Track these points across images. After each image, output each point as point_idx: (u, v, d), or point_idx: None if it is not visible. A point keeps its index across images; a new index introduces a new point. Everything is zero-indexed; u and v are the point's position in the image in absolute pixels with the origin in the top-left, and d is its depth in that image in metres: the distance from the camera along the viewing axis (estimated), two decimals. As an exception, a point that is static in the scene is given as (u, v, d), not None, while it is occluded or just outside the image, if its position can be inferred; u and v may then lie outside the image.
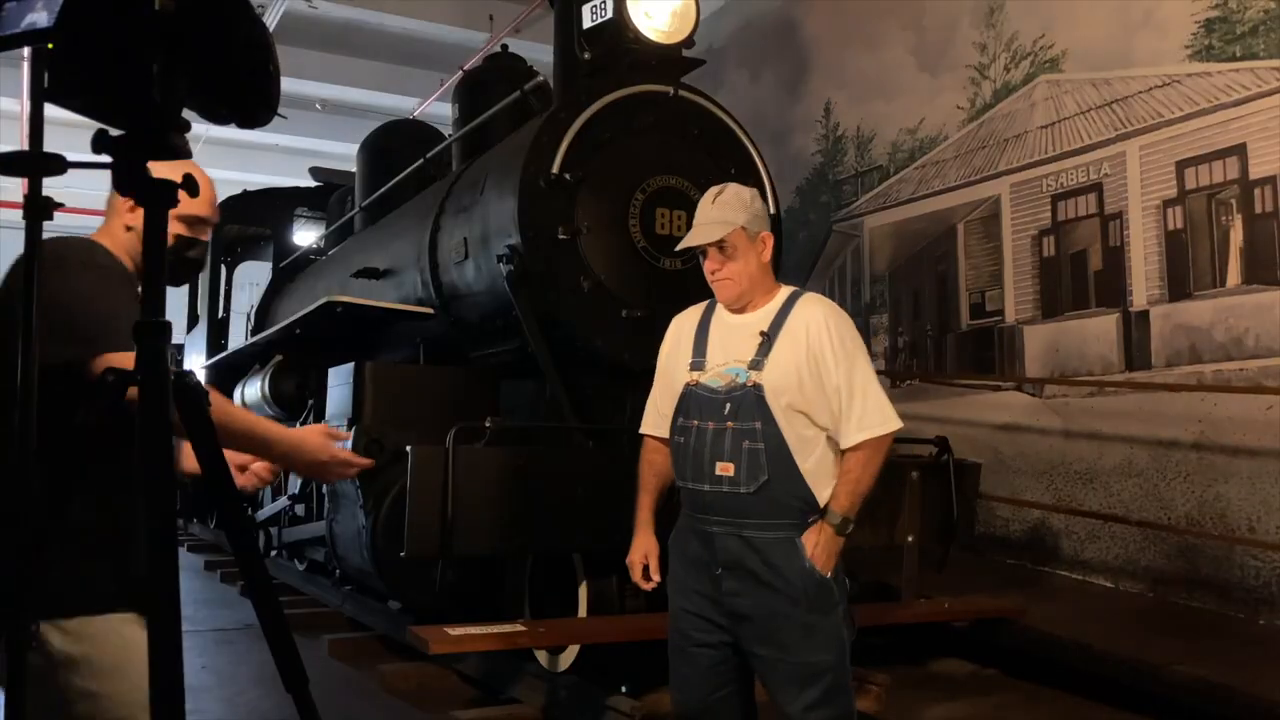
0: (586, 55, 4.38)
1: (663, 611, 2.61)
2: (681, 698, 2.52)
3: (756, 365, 2.37)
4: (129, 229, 2.05)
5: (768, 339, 2.39)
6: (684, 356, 2.51)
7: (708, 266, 2.47)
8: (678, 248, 2.57)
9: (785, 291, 2.50)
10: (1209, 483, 5.31)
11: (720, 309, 2.54)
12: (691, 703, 2.49)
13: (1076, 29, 6.27)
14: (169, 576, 1.39)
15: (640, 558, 2.58)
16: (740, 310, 2.48)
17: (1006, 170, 6.66)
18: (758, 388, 2.35)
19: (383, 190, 6.54)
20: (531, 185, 4.13)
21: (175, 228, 1.97)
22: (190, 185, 1.52)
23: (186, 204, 1.79)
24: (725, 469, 2.35)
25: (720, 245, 2.42)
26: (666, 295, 4.17)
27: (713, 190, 2.53)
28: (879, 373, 3.14)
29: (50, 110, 1.79)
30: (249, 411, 1.93)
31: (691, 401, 2.44)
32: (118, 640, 1.79)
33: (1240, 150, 5.32)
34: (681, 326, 2.61)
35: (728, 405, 2.37)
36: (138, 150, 1.43)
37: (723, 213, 2.45)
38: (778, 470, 2.32)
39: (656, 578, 2.58)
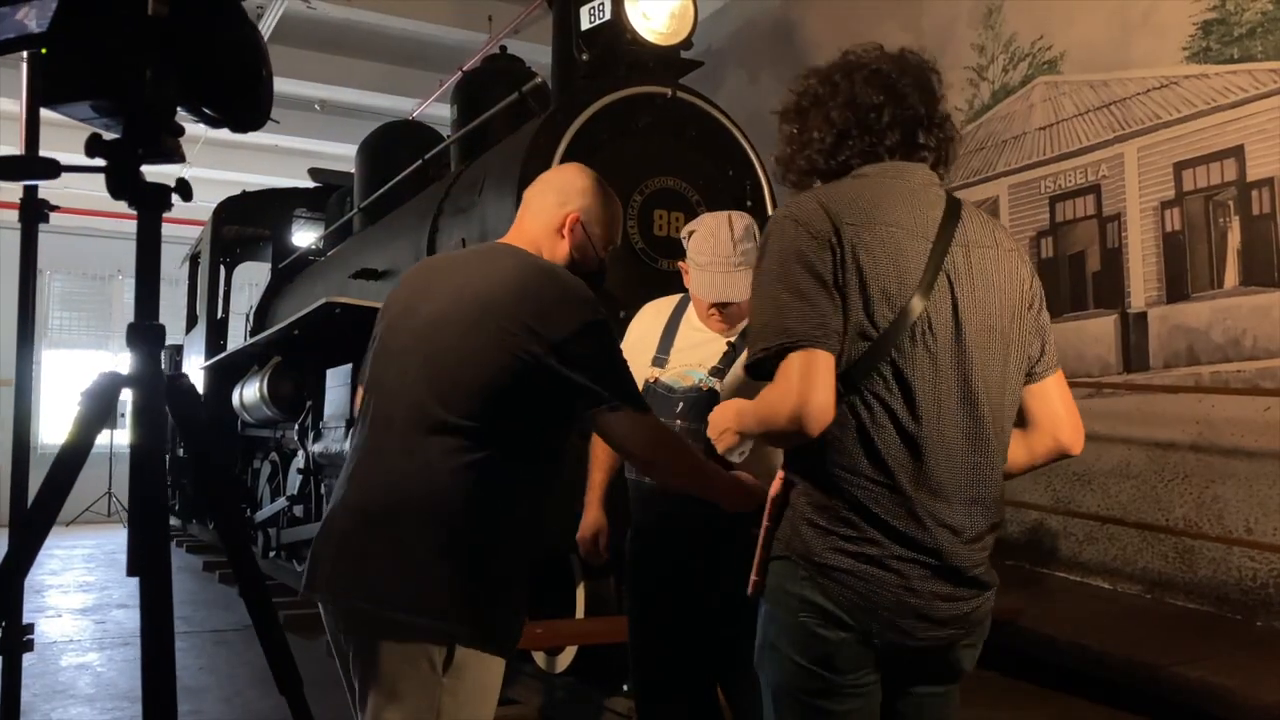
0: (585, 56, 4.38)
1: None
2: (643, 675, 2.52)
3: (718, 373, 2.38)
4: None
5: (734, 349, 2.39)
6: (647, 351, 2.50)
7: (724, 309, 2.41)
8: (715, 298, 2.40)
9: None
10: (1206, 484, 5.31)
11: (691, 310, 2.53)
12: (657, 681, 2.49)
13: (1074, 30, 6.27)
14: (161, 552, 1.44)
15: (591, 533, 2.60)
16: None
17: (1005, 171, 6.66)
18: (713, 394, 2.36)
19: (381, 191, 6.54)
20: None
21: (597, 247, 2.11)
22: (184, 190, 1.53)
23: (614, 228, 2.13)
24: None
25: None
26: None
27: (720, 224, 2.41)
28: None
29: (49, 112, 1.79)
30: (701, 457, 2.03)
31: (648, 398, 2.45)
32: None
33: (1238, 152, 5.32)
34: (649, 321, 2.59)
35: (681, 404, 2.38)
36: (131, 154, 1.44)
37: (746, 255, 2.35)
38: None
39: (605, 555, 2.60)
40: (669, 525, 2.43)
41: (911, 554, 1.54)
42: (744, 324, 2.45)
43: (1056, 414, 1.70)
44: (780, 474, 1.61)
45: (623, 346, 2.65)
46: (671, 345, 2.48)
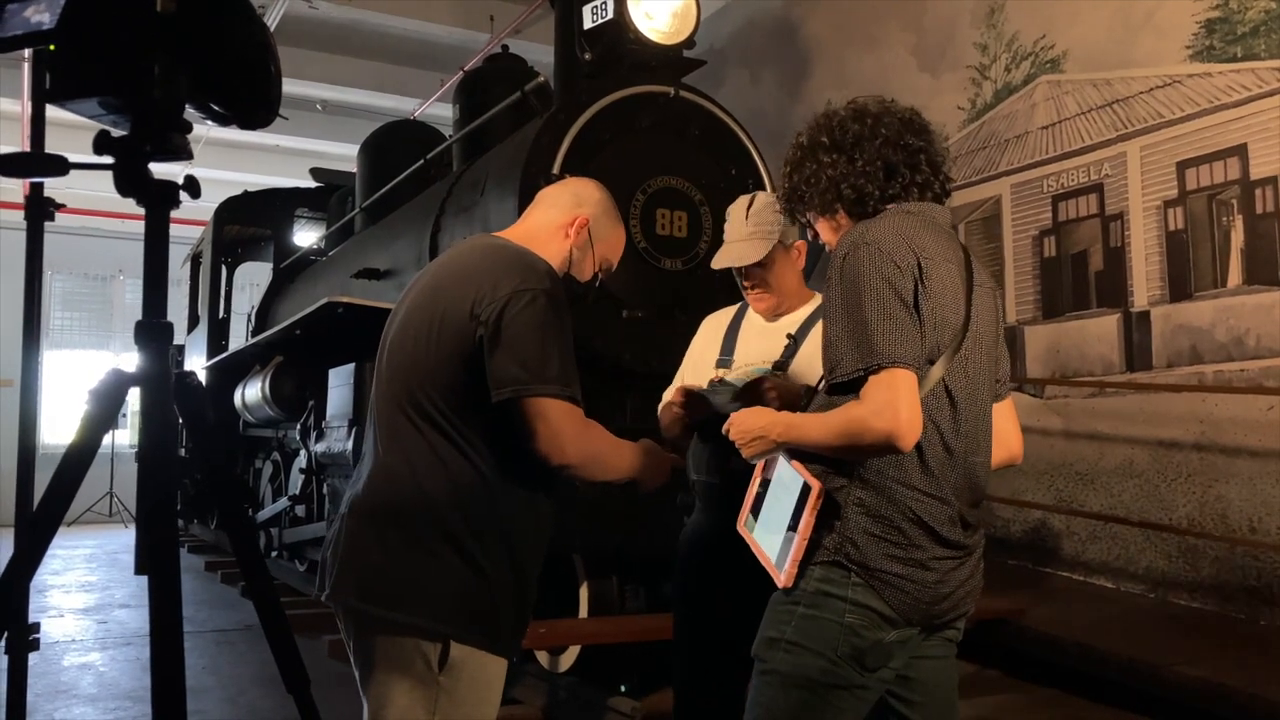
0: (587, 56, 4.37)
1: (663, 613, 2.61)
2: (687, 669, 2.52)
3: (781, 366, 2.40)
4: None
5: (794, 342, 2.41)
6: (712, 354, 2.54)
7: (745, 281, 2.47)
8: (715, 264, 2.52)
9: (819, 298, 2.53)
10: (1210, 483, 5.31)
11: (750, 311, 2.55)
12: (701, 676, 2.50)
13: (1077, 29, 6.27)
14: (170, 550, 1.43)
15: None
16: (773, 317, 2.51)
17: (1007, 171, 6.66)
18: None
19: (383, 191, 6.53)
20: (532, 186, 4.12)
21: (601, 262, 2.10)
22: (192, 187, 1.52)
23: (615, 249, 2.08)
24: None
25: (760, 261, 2.42)
26: (667, 296, 4.17)
27: (742, 201, 2.51)
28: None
29: (51, 111, 1.78)
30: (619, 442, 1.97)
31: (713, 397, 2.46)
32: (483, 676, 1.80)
33: (1241, 151, 5.31)
34: (713, 325, 2.66)
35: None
36: (140, 151, 1.43)
37: (760, 227, 2.43)
38: None
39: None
40: (725, 521, 2.43)
41: (947, 553, 1.69)
42: (802, 313, 2.50)
43: (1011, 430, 1.96)
44: (818, 484, 1.65)
45: (685, 359, 2.68)
46: (734, 346, 2.53)
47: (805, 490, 1.65)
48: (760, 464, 1.83)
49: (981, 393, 1.79)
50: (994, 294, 1.88)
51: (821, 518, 1.65)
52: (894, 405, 1.57)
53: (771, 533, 1.72)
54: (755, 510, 1.82)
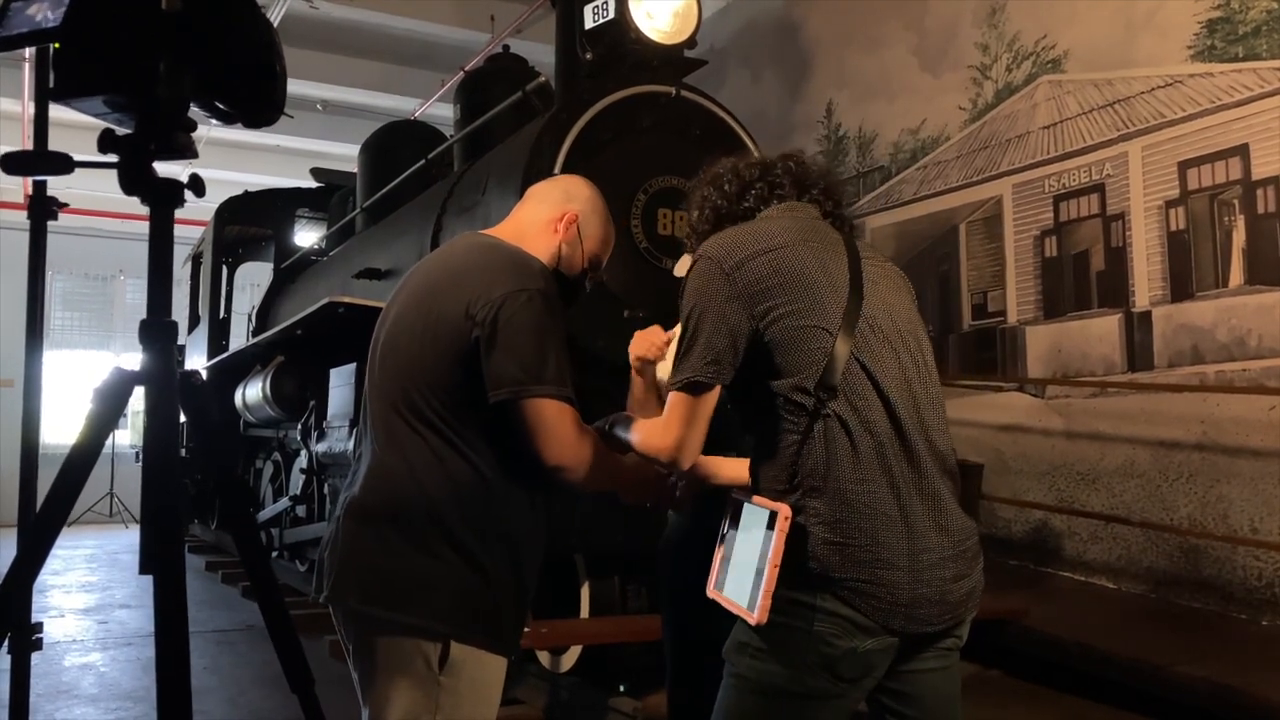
0: (588, 56, 4.37)
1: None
2: (678, 667, 2.54)
3: None
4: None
5: None
6: None
7: None
8: (678, 272, 2.57)
9: None
10: (1211, 483, 5.31)
11: None
12: (692, 672, 2.51)
13: (1078, 29, 6.26)
14: (175, 550, 1.42)
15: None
16: None
17: (1008, 171, 6.65)
18: None
19: (384, 191, 6.53)
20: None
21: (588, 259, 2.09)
22: (197, 185, 1.52)
23: (604, 246, 2.08)
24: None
25: None
26: (668, 296, 4.15)
27: None
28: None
29: (52, 111, 1.78)
30: (614, 455, 1.94)
31: None
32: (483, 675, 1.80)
33: (1243, 151, 5.31)
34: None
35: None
36: (144, 149, 1.43)
37: None
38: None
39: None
40: (707, 518, 2.43)
41: (919, 545, 1.60)
42: None
43: None
44: (784, 507, 1.60)
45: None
46: None
47: (771, 519, 1.60)
48: (724, 526, 1.78)
49: (916, 362, 1.72)
50: (904, 281, 1.84)
51: (790, 540, 1.59)
52: (665, 426, 1.67)
53: (742, 578, 1.66)
54: (724, 568, 1.75)
